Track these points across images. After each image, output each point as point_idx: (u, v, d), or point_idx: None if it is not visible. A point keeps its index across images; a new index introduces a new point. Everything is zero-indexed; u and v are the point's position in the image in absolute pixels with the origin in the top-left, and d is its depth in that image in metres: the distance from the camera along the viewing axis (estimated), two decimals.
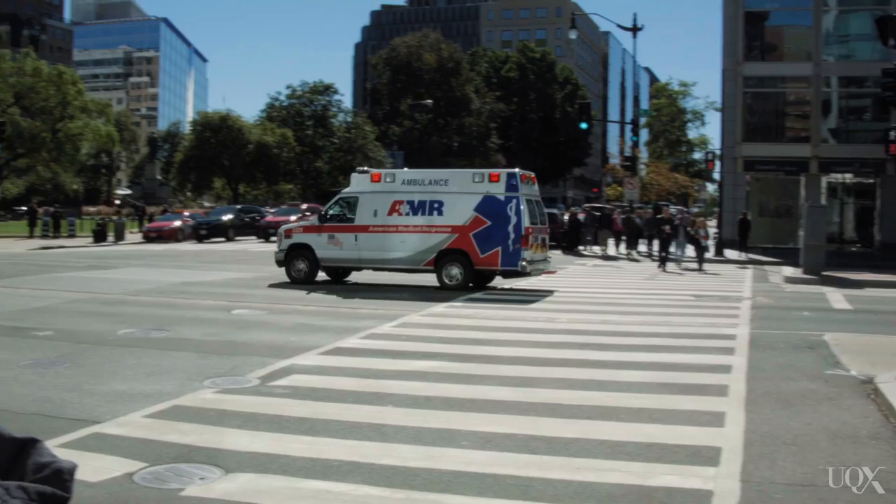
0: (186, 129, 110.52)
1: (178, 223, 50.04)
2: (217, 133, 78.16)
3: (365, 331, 15.09)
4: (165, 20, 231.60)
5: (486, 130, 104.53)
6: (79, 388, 10.19)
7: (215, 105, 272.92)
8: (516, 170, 23.13)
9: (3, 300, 19.54)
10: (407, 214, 22.49)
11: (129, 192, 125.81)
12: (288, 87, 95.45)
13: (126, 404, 9.49)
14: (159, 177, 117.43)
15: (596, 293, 22.43)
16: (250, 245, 45.68)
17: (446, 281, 22.47)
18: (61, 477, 0.65)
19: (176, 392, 10.16)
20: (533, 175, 23.89)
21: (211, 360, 12.35)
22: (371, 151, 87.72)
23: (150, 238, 47.79)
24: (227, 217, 51.89)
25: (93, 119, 75.50)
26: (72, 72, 78.92)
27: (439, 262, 22.58)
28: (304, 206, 54.94)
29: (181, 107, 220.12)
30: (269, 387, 10.47)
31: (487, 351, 13.03)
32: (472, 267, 22.37)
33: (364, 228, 22.86)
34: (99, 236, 47.56)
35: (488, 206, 22.09)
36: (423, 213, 22.34)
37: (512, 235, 21.86)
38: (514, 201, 22.00)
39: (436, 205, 22.24)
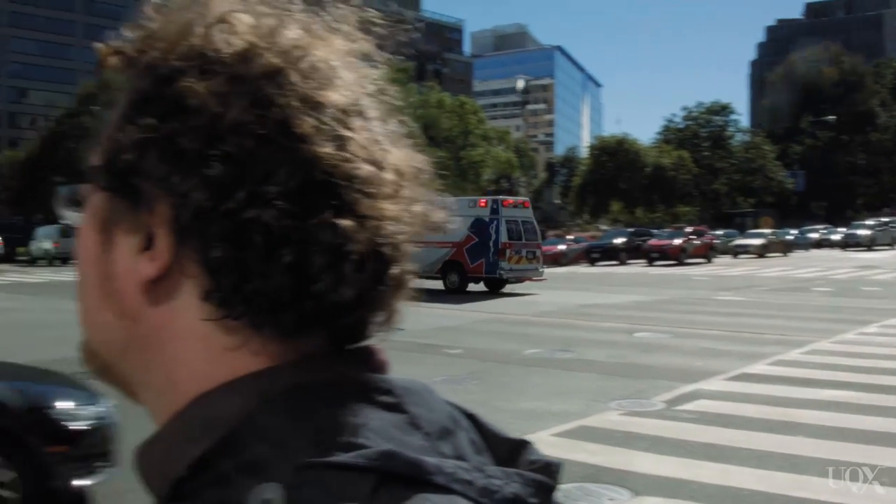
0: (583, 153, 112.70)
1: (561, 247, 50.83)
2: (614, 157, 79.10)
3: (771, 357, 14.61)
4: (559, 48, 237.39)
5: (894, 147, 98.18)
6: (489, 404, 10.60)
7: (610, 129, 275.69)
8: (499, 197, 31.25)
9: (417, 318, 20.75)
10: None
11: None
12: (683, 109, 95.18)
13: (534, 422, 9.78)
14: (557, 200, 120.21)
15: None
16: (641, 269, 45.65)
17: (449, 286, 28.32)
18: (550, 469, 0.71)
19: (582, 412, 10.36)
20: (525, 200, 31.99)
21: (616, 381, 12.49)
22: (771, 171, 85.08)
23: None
24: (618, 240, 52.12)
25: (493, 146, 78.93)
26: (472, 102, 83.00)
27: (443, 270, 28.25)
28: (689, 230, 53.88)
29: (577, 132, 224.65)
30: (675, 411, 10.41)
31: None
32: (465, 274, 28.36)
33: None
34: None
35: (477, 226, 27.87)
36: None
37: (492, 249, 27.64)
38: (495, 222, 27.90)
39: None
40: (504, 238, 27.72)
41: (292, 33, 0.79)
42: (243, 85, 0.75)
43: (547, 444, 8.85)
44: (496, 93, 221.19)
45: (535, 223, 30.48)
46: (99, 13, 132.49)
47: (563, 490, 5.92)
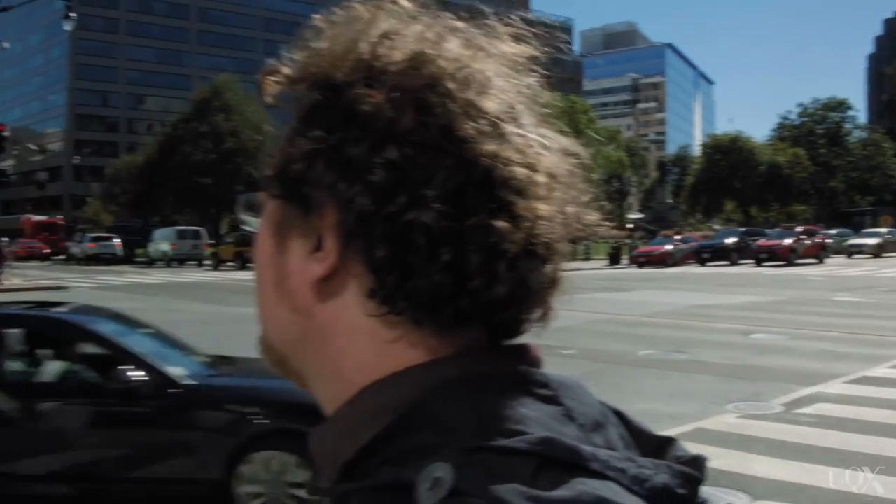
0: (695, 152, 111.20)
1: (668, 247, 50.07)
2: (727, 155, 77.77)
3: (894, 360, 14.24)
4: (670, 45, 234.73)
5: None
6: None
7: (722, 127, 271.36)
8: None
9: None
10: None
11: (640, 215, 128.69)
12: (799, 105, 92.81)
13: (649, 424, 9.67)
14: (670, 200, 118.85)
15: None
16: (752, 269, 44.85)
17: None
18: (697, 462, 0.76)
19: (698, 414, 10.25)
20: None
21: (732, 384, 12.32)
22: (890, 169, 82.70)
23: (639, 263, 48.14)
24: (730, 240, 51.15)
25: (604, 146, 78.42)
26: (583, 101, 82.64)
27: None
28: (800, 229, 52.40)
29: (689, 130, 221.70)
30: (794, 414, 10.22)
31: None
32: None
33: None
34: (613, 259, 49.12)
35: None
36: None
37: None
38: None
39: None
40: None
41: (453, 46, 0.85)
42: (408, 94, 0.81)
43: None
44: (606, 91, 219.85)
45: None
46: (211, 20, 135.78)
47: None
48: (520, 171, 0.82)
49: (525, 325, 0.89)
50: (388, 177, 0.79)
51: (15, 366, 7.57)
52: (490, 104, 0.83)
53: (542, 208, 0.83)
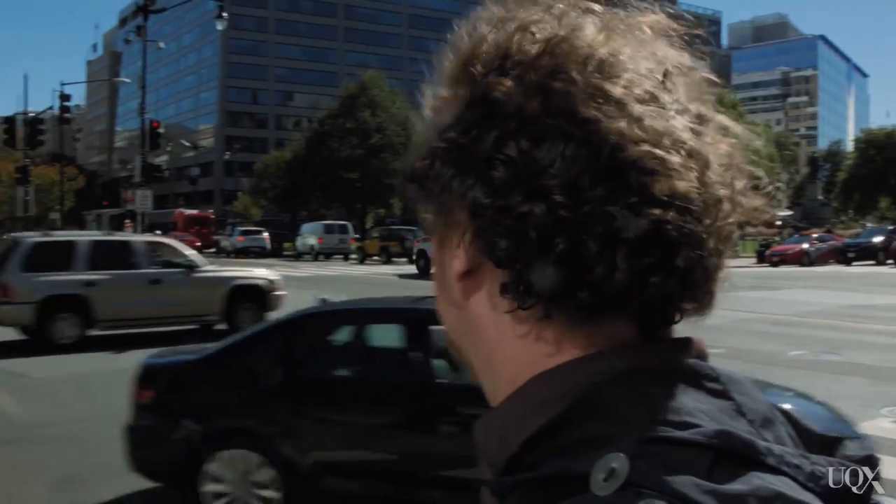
0: (848, 147, 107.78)
1: (804, 246, 48.39)
2: (882, 151, 75.09)
3: None
4: (823, 37, 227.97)
5: None
6: None
7: (878, 121, 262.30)
8: None
9: None
10: None
11: (789, 213, 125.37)
12: None
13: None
14: (820, 197, 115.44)
15: None
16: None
17: None
18: (871, 461, 0.77)
19: (852, 419, 9.97)
20: None
21: (887, 387, 11.94)
22: None
23: (772, 262, 46.59)
24: (877, 239, 49.07)
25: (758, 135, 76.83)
26: (731, 95, 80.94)
27: None
28: None
29: (841, 125, 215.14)
30: None
31: None
32: None
33: None
34: (762, 257, 47.93)
35: None
36: None
37: None
38: None
39: None
40: None
41: (588, 31, 0.85)
42: (534, 81, 0.81)
43: None
44: (755, 85, 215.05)
45: None
46: (358, 17, 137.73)
47: None
48: (650, 151, 0.78)
49: (673, 316, 0.86)
50: (507, 171, 0.79)
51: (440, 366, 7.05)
52: (617, 88, 0.81)
53: (681, 189, 0.79)
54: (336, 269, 44.68)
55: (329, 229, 58.30)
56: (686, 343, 0.87)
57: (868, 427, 9.54)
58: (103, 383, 12.27)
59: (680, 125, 0.82)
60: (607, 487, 0.70)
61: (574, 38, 0.84)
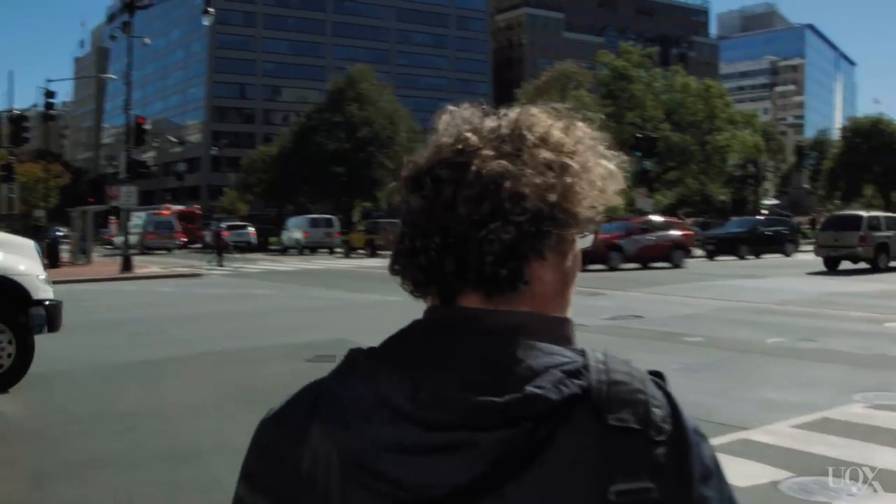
0: (835, 136, 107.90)
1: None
2: (868, 139, 75.12)
3: None
4: (810, 26, 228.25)
5: None
6: (727, 393, 10.39)
7: (865, 110, 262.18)
8: None
9: (655, 307, 20.61)
10: None
11: (775, 201, 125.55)
12: None
13: (773, 413, 9.53)
14: (806, 185, 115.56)
15: None
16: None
17: None
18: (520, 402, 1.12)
19: (825, 404, 9.99)
20: None
21: (862, 374, 11.95)
22: None
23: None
24: (739, 230, 46.15)
25: (739, 130, 76.68)
26: (718, 85, 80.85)
27: None
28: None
29: (828, 113, 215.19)
30: None
31: None
32: None
33: None
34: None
35: None
36: None
37: None
38: None
39: None
40: None
41: (555, 129, 1.25)
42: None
43: (785, 435, 8.63)
44: (743, 75, 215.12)
45: None
46: (346, 11, 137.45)
47: (800, 483, 5.74)
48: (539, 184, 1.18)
49: (454, 293, 1.22)
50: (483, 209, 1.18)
51: None
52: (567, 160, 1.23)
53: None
54: (321, 262, 44.61)
55: (314, 223, 58.25)
56: (455, 308, 1.21)
57: (840, 412, 9.60)
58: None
59: (599, 179, 1.26)
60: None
61: (554, 133, 1.25)
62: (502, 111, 1.27)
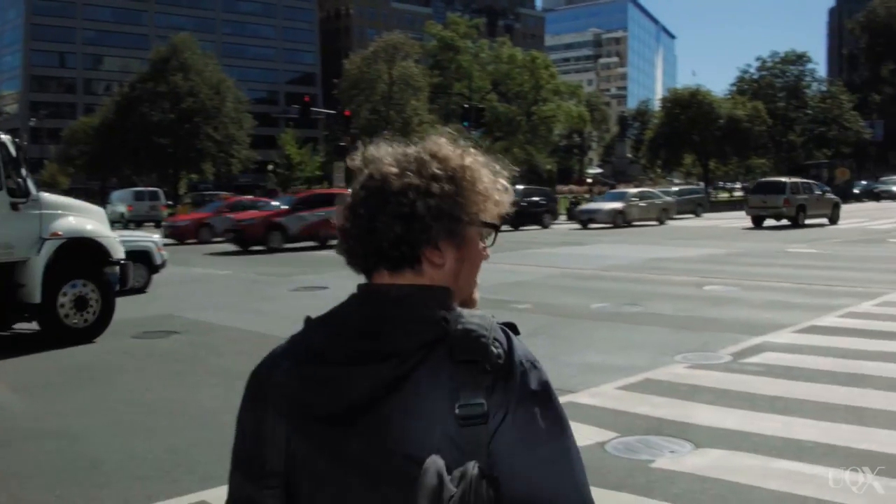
0: (656, 106, 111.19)
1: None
2: (687, 109, 77.61)
3: (842, 309, 14.36)
4: (633, 0, 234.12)
5: None
6: (555, 358, 10.56)
7: (684, 81, 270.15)
8: None
9: (485, 275, 20.79)
10: None
11: (600, 170, 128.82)
12: (758, 59, 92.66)
13: (599, 376, 9.78)
14: (629, 155, 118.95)
15: None
16: (713, 222, 45.11)
17: None
18: None
19: (647, 365, 10.32)
20: None
21: (682, 335, 12.39)
22: (848, 122, 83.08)
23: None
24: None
25: (564, 101, 78.23)
26: (544, 56, 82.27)
27: None
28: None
29: (650, 85, 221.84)
30: (741, 364, 10.29)
31: None
32: None
33: None
34: (571, 215, 49.01)
35: None
36: None
37: None
38: None
39: None
40: None
41: (466, 157, 1.65)
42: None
43: (611, 397, 8.87)
44: (568, 47, 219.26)
45: None
46: None
47: (625, 443, 5.88)
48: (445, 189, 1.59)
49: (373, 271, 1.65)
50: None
51: None
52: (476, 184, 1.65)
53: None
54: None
55: (139, 196, 56.69)
56: (370, 285, 1.65)
57: (662, 373, 9.92)
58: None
59: (492, 187, 1.69)
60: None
61: (457, 160, 1.66)
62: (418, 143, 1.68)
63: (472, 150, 1.66)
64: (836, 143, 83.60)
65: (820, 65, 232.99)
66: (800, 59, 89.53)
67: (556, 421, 1.55)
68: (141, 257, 19.19)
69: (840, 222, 40.70)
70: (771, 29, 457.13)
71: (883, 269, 20.27)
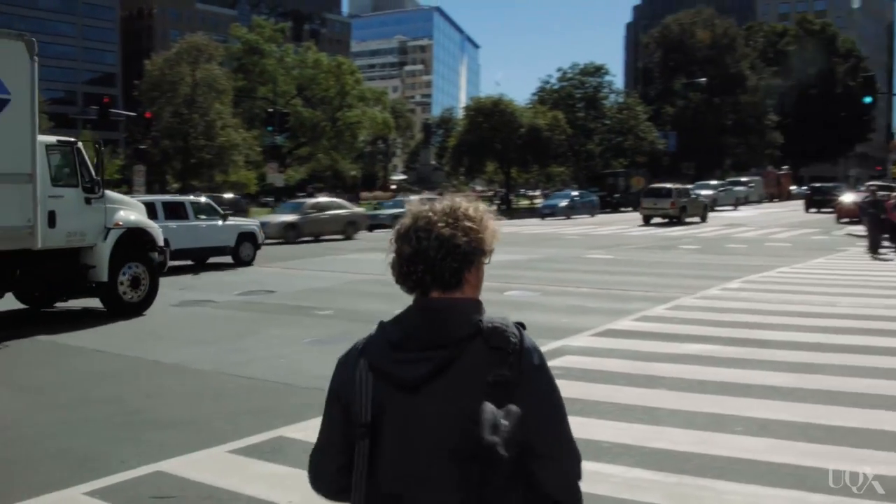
0: (459, 114, 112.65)
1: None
2: (489, 118, 78.76)
3: (637, 313, 14.93)
4: (438, 9, 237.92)
5: (762, 108, 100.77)
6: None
7: (488, 90, 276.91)
8: None
9: (287, 281, 20.66)
10: None
11: (404, 177, 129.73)
12: (559, 70, 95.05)
13: None
14: (433, 162, 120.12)
15: (880, 276, 21.16)
16: (515, 228, 46.07)
17: None
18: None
19: None
20: None
21: None
22: (643, 132, 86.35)
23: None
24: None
25: (370, 107, 78.37)
26: (350, 62, 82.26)
27: None
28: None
29: (454, 93, 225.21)
30: None
31: (763, 335, 12.58)
32: None
33: None
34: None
35: None
36: None
37: None
38: None
39: None
40: None
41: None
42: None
43: None
44: (374, 53, 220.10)
45: None
46: None
47: None
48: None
49: (430, 290, 2.34)
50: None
51: None
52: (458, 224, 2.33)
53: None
54: None
55: None
56: (426, 300, 2.33)
57: None
58: None
59: (479, 221, 2.40)
60: None
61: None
62: (443, 199, 2.40)
63: (480, 204, 2.43)
64: (632, 153, 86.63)
65: (618, 77, 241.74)
66: (598, 71, 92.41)
67: (550, 384, 2.34)
68: (249, 237, 26.04)
69: (644, 226, 42.22)
70: (572, 41, 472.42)
71: (674, 275, 21.15)
